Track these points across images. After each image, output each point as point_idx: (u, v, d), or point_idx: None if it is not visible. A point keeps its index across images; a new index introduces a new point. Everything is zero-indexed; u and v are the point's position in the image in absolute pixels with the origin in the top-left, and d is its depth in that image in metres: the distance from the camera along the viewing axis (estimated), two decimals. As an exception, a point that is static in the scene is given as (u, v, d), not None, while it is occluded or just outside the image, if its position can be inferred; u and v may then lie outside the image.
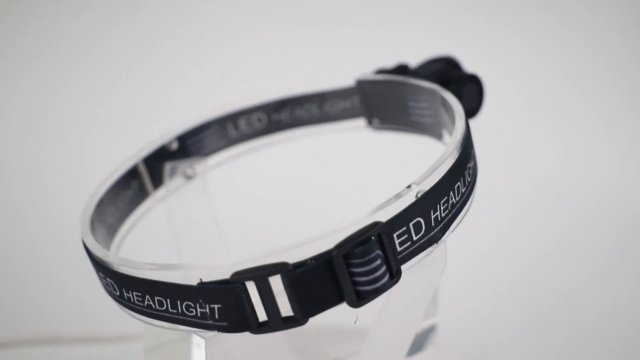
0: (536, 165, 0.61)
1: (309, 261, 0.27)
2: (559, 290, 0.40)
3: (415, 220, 0.30)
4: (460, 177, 0.32)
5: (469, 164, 0.33)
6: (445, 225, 0.31)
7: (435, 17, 0.77)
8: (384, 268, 0.28)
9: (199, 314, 0.28)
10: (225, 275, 0.27)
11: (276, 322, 0.28)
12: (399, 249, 0.29)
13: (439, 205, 0.31)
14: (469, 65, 0.44)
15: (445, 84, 0.39)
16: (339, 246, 0.27)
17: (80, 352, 0.44)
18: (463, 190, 0.32)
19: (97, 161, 0.56)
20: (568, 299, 0.40)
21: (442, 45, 0.68)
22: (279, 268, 0.27)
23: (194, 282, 0.27)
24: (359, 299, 0.28)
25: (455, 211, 0.32)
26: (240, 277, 0.27)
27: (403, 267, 0.29)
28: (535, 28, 0.75)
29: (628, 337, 0.38)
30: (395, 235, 0.29)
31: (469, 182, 0.33)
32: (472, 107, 0.40)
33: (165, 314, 0.29)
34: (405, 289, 0.31)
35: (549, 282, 0.41)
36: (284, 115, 0.47)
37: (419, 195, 0.30)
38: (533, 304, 0.40)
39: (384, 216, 0.28)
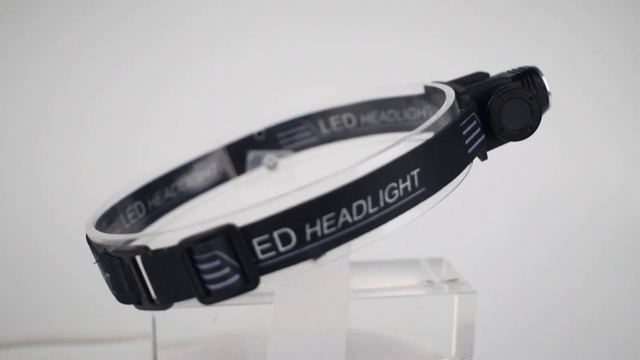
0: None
1: (165, 249, 0.28)
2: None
3: (281, 231, 0.29)
4: (362, 197, 0.29)
5: (391, 184, 0.29)
6: (328, 244, 0.29)
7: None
8: (228, 269, 0.28)
9: (105, 279, 0.31)
10: (114, 248, 0.30)
11: (145, 302, 0.30)
12: (260, 256, 0.28)
13: (319, 220, 0.29)
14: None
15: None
16: (184, 241, 0.28)
17: (81, 352, 0.45)
18: (370, 211, 0.29)
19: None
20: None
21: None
22: (141, 250, 0.29)
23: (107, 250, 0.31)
24: (208, 296, 0.29)
25: (350, 231, 0.29)
26: (117, 253, 0.30)
27: (271, 276, 0.28)
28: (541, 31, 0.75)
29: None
30: (255, 241, 0.28)
31: (388, 203, 0.29)
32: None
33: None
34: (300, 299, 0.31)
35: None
36: (371, 118, 0.47)
37: (294, 205, 0.28)
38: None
39: (246, 220, 0.28)
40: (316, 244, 0.28)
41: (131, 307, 0.31)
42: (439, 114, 0.33)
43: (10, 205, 0.67)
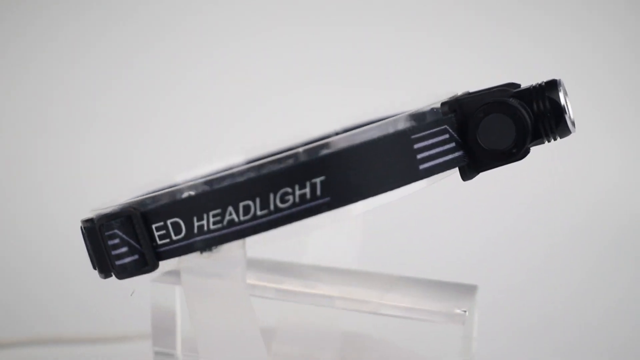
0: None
1: (90, 223, 0.31)
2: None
3: (173, 220, 0.30)
4: (250, 198, 0.28)
5: (284, 189, 0.28)
6: (213, 239, 0.29)
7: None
8: (126, 248, 0.30)
9: None
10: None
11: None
12: (158, 241, 0.30)
13: (206, 215, 0.29)
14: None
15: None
16: (98, 217, 0.30)
17: (82, 352, 0.45)
18: (259, 213, 0.28)
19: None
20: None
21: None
22: (85, 222, 0.31)
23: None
24: (105, 271, 0.31)
25: (236, 230, 0.28)
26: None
27: (169, 262, 0.30)
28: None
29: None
30: (154, 226, 0.30)
31: (280, 208, 0.28)
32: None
33: None
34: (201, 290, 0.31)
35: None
36: None
37: (185, 196, 0.29)
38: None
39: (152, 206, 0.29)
40: (203, 237, 0.29)
41: (131, 303, 0.34)
42: (384, 122, 0.30)
43: (10, 205, 0.67)
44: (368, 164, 0.28)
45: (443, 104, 0.30)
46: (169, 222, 0.30)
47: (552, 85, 0.30)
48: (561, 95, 0.30)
